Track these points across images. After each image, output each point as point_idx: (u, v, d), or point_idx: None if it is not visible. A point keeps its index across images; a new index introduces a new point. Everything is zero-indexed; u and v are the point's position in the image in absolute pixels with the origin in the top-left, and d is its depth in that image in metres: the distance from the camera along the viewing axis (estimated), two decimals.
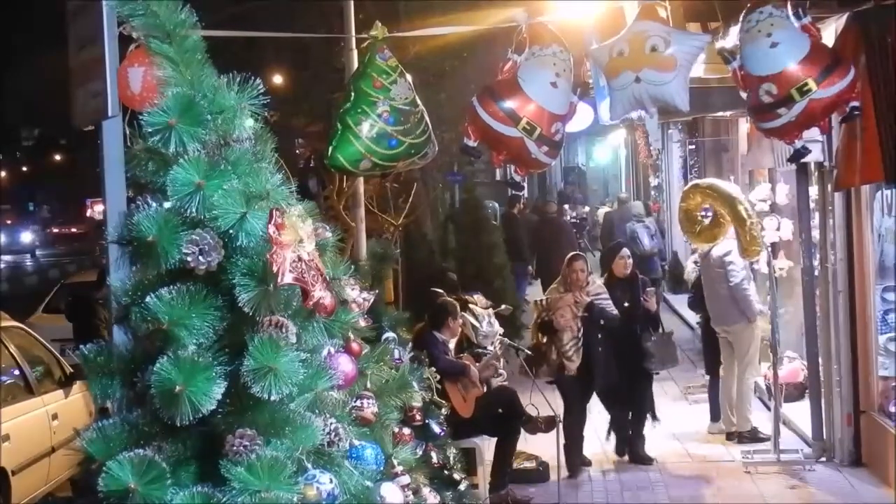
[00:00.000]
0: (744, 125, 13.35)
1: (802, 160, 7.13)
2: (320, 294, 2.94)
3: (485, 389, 8.69)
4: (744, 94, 6.29)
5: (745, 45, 6.06)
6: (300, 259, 2.86)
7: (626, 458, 9.47)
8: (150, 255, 2.82)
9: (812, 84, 5.85)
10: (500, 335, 9.92)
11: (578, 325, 8.89)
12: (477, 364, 8.66)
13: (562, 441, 8.68)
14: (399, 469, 3.57)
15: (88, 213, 46.34)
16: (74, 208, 55.78)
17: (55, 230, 57.67)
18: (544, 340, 9.09)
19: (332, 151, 6.54)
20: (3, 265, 40.55)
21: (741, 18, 6.12)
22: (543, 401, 8.48)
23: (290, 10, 13.49)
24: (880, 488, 8.21)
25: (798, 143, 6.21)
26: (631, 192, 27.96)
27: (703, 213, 9.83)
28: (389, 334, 4.77)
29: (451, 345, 8.80)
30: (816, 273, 9.32)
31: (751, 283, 9.87)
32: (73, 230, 55.32)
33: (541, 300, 9.40)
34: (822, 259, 9.21)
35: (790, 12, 5.99)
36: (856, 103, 5.97)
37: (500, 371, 9.31)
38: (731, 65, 6.21)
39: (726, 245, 9.69)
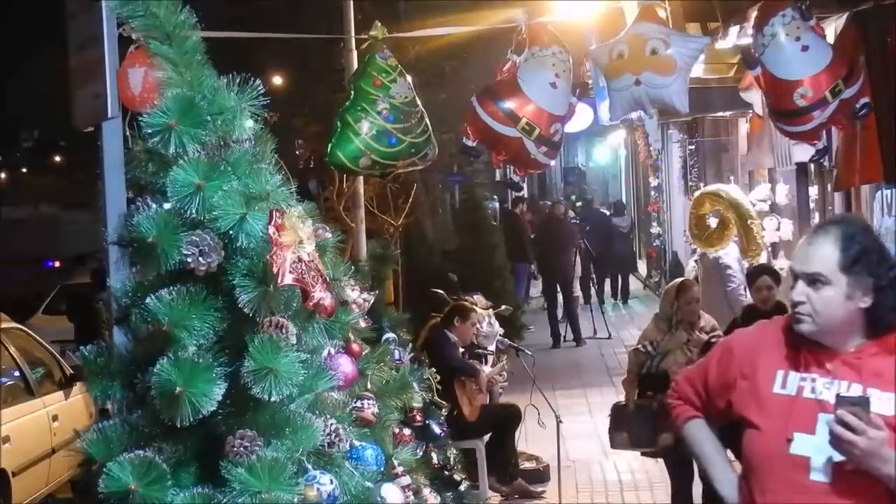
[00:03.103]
0: (743, 125, 13.34)
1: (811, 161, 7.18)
2: (320, 295, 2.93)
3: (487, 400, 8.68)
4: (752, 98, 6.27)
5: (772, 51, 6.02)
6: (300, 260, 2.85)
7: None
8: (150, 256, 2.81)
9: (842, 84, 5.88)
10: (500, 335, 9.92)
11: None
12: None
13: (563, 441, 8.23)
14: (399, 470, 3.57)
15: None
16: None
17: None
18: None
19: (332, 149, 6.55)
20: None
21: (760, 22, 6.08)
22: (544, 401, 8.48)
23: (289, 10, 13.49)
24: None
25: (820, 144, 6.27)
26: (630, 192, 27.99)
27: (711, 215, 9.88)
28: (390, 335, 4.77)
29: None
30: None
31: (747, 289, 9.86)
32: None
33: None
34: None
35: (799, 14, 6.00)
36: (866, 99, 5.99)
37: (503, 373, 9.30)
38: (755, 70, 6.20)
39: (724, 248, 9.70)
